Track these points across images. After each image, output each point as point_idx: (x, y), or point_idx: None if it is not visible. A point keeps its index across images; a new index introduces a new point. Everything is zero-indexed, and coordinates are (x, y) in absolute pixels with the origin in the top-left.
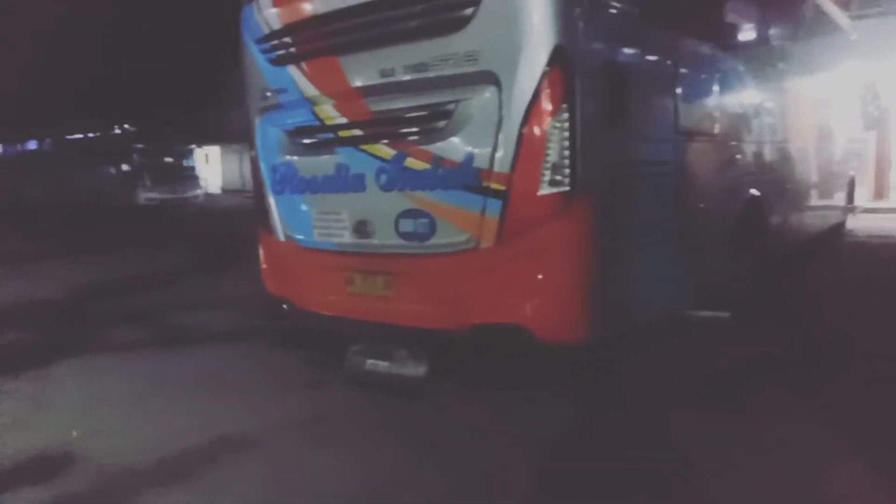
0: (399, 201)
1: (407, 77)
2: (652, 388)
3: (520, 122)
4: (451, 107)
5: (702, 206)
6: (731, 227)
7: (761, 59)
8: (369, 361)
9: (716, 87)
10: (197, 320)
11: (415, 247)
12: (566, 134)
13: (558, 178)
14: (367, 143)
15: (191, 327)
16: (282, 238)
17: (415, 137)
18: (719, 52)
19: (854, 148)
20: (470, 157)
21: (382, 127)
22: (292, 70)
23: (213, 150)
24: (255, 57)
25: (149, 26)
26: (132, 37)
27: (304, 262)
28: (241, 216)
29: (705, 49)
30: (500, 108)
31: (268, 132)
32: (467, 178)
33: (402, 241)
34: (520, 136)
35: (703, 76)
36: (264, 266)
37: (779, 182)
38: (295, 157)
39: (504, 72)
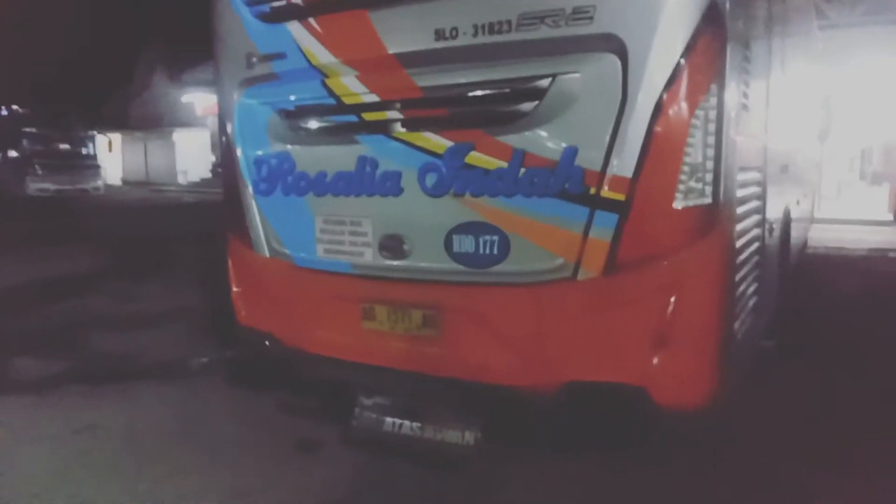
0: (454, 210)
1: (477, 41)
2: (750, 450)
3: (653, 105)
4: (544, 83)
5: (771, 217)
6: (780, 242)
7: (795, 52)
8: (389, 420)
9: (783, 78)
10: (127, 345)
11: (476, 273)
12: (712, 126)
13: (698, 185)
14: (407, 130)
15: (121, 356)
16: (266, 253)
17: (485, 124)
18: (785, 38)
19: (815, 158)
20: (571, 154)
21: (433, 109)
22: (295, 29)
23: (115, 138)
24: (237, 10)
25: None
26: (28, 10)
27: (300, 286)
28: (151, 212)
29: (782, 34)
30: (624, 85)
31: (251, 112)
32: (565, 181)
33: (455, 265)
34: (651, 127)
35: (778, 63)
36: (236, 289)
37: (792, 191)
38: (293, 146)
39: (633, 35)
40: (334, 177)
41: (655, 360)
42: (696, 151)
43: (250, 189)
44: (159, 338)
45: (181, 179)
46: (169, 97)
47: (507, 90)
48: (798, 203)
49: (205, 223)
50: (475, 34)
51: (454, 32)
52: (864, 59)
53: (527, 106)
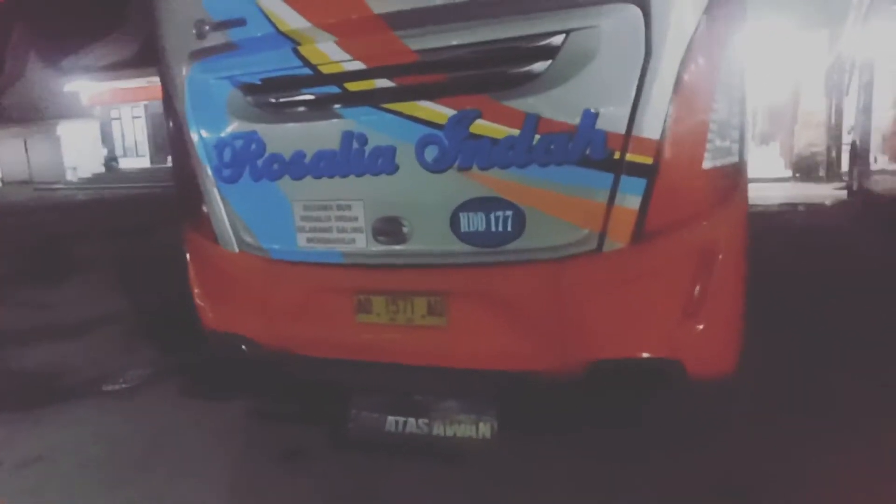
0: (460, 186)
1: None
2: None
3: (680, 60)
4: (557, 40)
5: None
6: None
7: None
8: (392, 419)
9: None
10: (54, 360)
11: (488, 253)
12: (736, 80)
13: (726, 143)
14: (400, 99)
15: (50, 373)
16: (235, 248)
17: (491, 89)
18: None
19: None
20: (591, 117)
21: (431, 75)
22: None
23: None
24: None
25: None
26: None
27: (280, 282)
28: (43, 213)
29: None
30: (648, 39)
31: (205, 88)
32: (586, 147)
33: (463, 246)
34: (678, 83)
35: None
36: (199, 290)
37: None
38: (260, 125)
39: None
40: (314, 157)
41: (688, 330)
42: (724, 108)
43: (211, 176)
44: (88, 349)
45: (70, 176)
46: (49, 86)
47: (516, 50)
48: None
49: (107, 221)
50: None
51: None
52: (752, 22)
53: (539, 66)
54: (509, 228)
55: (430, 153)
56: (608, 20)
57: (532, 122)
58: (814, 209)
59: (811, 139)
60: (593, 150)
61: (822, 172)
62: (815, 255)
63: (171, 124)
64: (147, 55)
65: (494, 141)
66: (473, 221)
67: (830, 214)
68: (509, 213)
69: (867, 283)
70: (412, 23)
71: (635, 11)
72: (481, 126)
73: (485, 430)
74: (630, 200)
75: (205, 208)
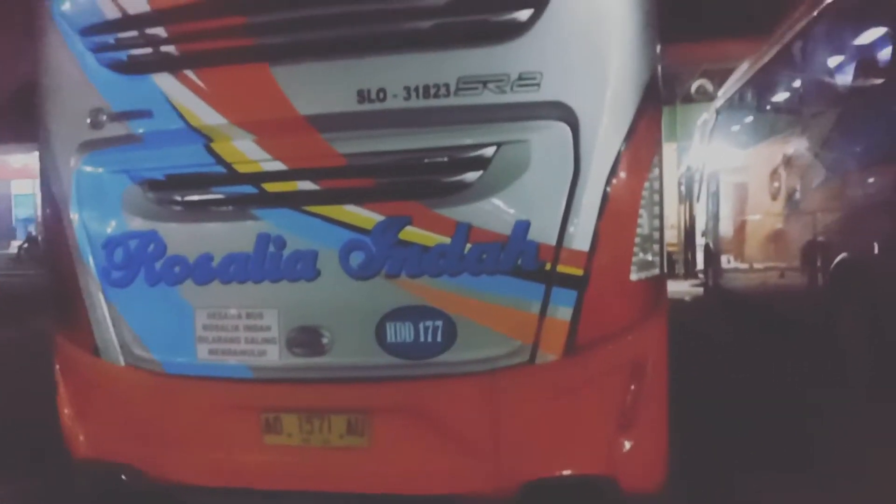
0: (387, 294)
1: (410, 104)
2: None
3: (606, 176)
4: (488, 152)
5: None
6: None
7: None
8: None
9: None
10: None
11: (415, 366)
12: (656, 196)
13: (649, 257)
14: (324, 203)
15: None
16: (120, 361)
17: (422, 196)
18: None
19: None
20: (523, 227)
21: (358, 179)
22: (165, 82)
23: None
24: (77, 56)
25: None
26: None
27: (173, 399)
28: None
29: None
30: (576, 155)
31: (98, 182)
32: (518, 257)
33: (389, 358)
34: (605, 198)
35: None
36: (69, 410)
37: None
38: (161, 224)
39: (582, 104)
40: (224, 260)
41: (621, 445)
42: (646, 223)
43: (95, 279)
44: None
45: None
46: None
47: (448, 159)
48: None
49: None
50: (407, 97)
51: (381, 94)
52: None
53: (471, 176)
54: (439, 339)
55: (356, 259)
56: (538, 135)
57: (464, 230)
58: (676, 305)
59: (667, 240)
60: (525, 260)
61: (679, 270)
62: (686, 348)
63: (48, 215)
64: None
65: (425, 248)
66: (401, 332)
67: (692, 309)
68: (439, 322)
69: (734, 374)
70: (342, 126)
71: (564, 128)
72: (411, 233)
73: None
74: (562, 311)
75: (84, 315)
